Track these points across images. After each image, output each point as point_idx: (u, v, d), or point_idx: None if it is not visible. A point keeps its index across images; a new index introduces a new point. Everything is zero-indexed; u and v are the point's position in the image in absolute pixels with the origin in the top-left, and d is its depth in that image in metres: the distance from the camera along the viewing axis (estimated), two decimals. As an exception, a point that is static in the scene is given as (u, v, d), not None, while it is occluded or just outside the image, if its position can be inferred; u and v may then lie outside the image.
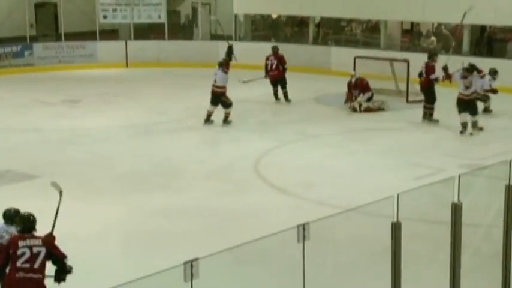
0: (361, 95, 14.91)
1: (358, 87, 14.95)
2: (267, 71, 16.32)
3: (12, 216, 6.41)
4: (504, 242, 6.07)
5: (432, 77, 13.84)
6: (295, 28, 22.01)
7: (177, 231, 8.55)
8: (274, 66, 16.14)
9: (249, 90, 17.61)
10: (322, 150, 12.24)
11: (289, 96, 16.11)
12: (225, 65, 14.02)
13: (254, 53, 20.24)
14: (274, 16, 22.34)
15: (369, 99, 14.94)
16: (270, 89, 16.88)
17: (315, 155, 11.97)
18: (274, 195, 10.07)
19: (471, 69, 13.15)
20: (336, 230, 7.59)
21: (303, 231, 4.88)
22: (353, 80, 15.04)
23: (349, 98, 15.04)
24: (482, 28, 18.32)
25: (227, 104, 13.85)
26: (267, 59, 16.39)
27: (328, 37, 21.07)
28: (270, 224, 7.58)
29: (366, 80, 14.98)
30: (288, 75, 18.01)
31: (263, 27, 22.69)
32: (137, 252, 8.04)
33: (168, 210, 9.31)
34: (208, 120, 13.92)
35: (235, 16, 21.44)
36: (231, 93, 17.51)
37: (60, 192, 6.49)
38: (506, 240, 6.05)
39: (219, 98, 13.79)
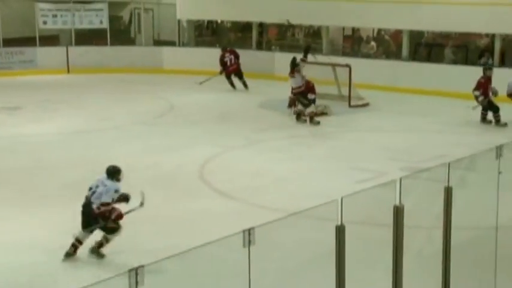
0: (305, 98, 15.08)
1: (305, 88, 15.14)
2: (225, 67, 18.03)
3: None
4: (444, 243, 6.22)
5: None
6: (238, 33, 22.08)
7: (122, 238, 8.47)
8: (233, 61, 18.13)
9: (193, 96, 17.60)
10: (266, 155, 12.31)
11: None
12: (290, 71, 14.97)
13: (198, 58, 20.29)
14: (218, 21, 22.36)
15: (313, 101, 15.11)
16: (215, 94, 16.89)
17: (260, 160, 12.04)
18: (220, 200, 10.08)
19: None
20: (281, 235, 7.65)
21: (248, 236, 4.91)
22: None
23: (293, 102, 15.17)
24: (421, 34, 18.74)
25: (305, 104, 14.37)
26: (223, 56, 18.16)
27: (272, 42, 21.21)
28: (215, 230, 7.58)
29: (312, 83, 15.16)
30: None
31: (207, 33, 22.68)
32: (82, 260, 7.93)
33: (113, 218, 9.20)
34: (298, 118, 14.60)
35: (179, 21, 21.39)
36: (178, 98, 17.47)
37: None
38: (446, 241, 6.21)
39: (298, 98, 14.53)
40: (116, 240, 8.20)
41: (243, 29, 21.72)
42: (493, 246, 7.39)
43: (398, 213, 5.82)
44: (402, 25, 17.90)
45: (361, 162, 11.60)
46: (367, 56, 19.05)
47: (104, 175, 7.93)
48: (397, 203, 5.89)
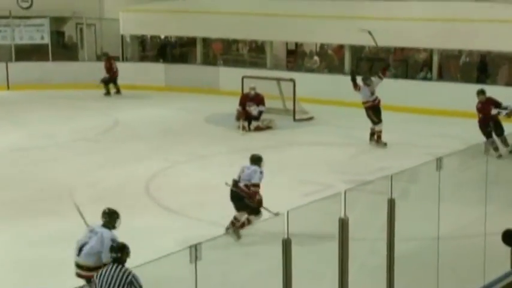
0: (254, 106, 15.19)
1: (254, 100, 15.23)
2: (113, 73, 19.51)
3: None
4: (388, 255, 6.33)
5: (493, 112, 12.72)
6: (183, 48, 22.07)
7: (64, 257, 8.33)
8: (115, 69, 19.52)
9: (138, 111, 17.49)
10: (213, 170, 12.31)
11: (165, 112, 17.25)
12: (363, 79, 14.01)
13: (142, 74, 20.18)
14: (162, 37, 22.31)
15: (260, 113, 15.24)
16: (160, 110, 16.82)
17: (206, 175, 12.03)
18: (166, 216, 10.03)
19: None
20: (229, 250, 7.68)
21: (195, 252, 4.91)
22: (252, 93, 15.28)
23: (241, 115, 15.27)
24: (363, 48, 19.08)
25: (374, 121, 13.80)
26: (110, 63, 19.49)
27: (216, 57, 21.28)
28: (162, 246, 7.55)
29: (262, 95, 15.34)
30: (176, 96, 18.02)
31: (151, 48, 22.59)
32: (22, 281, 7.78)
33: (55, 237, 9.06)
34: (372, 137, 13.86)
35: (122, 37, 21.26)
36: (122, 114, 17.29)
37: None
38: (390, 252, 6.32)
39: (367, 113, 13.82)
40: (59, 260, 8.05)
41: (187, 44, 21.72)
42: (435, 256, 7.56)
43: (343, 225, 5.91)
44: (344, 40, 18.20)
45: (306, 176, 11.71)
46: (311, 70, 19.29)
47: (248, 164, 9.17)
48: (342, 215, 5.98)
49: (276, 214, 8.50)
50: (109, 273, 5.97)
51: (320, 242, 8.38)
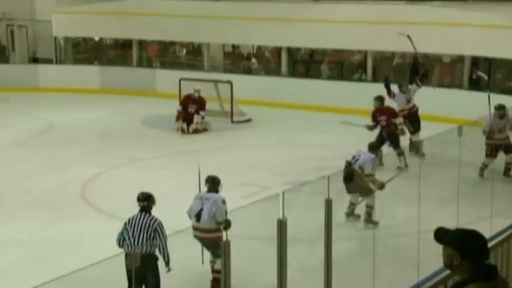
0: (195, 116, 15.19)
1: (197, 103, 15.22)
2: None
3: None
4: (326, 254, 6.42)
5: None
6: (118, 50, 21.84)
7: (3, 264, 8.17)
8: None
9: (72, 115, 17.22)
10: (150, 173, 12.23)
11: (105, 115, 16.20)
12: (399, 86, 13.11)
13: (76, 76, 19.88)
14: (97, 38, 22.02)
15: (203, 118, 15.29)
16: (95, 112, 16.60)
17: (144, 178, 11.93)
18: (104, 221, 9.92)
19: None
20: (172, 252, 7.64)
21: (134, 255, 4.89)
22: (196, 95, 15.26)
23: (180, 116, 15.25)
24: (299, 50, 19.28)
25: (410, 131, 12.67)
26: None
27: (153, 59, 21.14)
28: (100, 251, 7.46)
29: (205, 100, 15.35)
30: (112, 99, 17.79)
31: (85, 50, 22.27)
32: None
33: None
34: (411, 148, 12.26)
35: (55, 39, 20.89)
36: (56, 117, 16.99)
37: None
38: (328, 252, 6.41)
39: (404, 122, 12.63)
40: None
41: (123, 46, 21.51)
42: (371, 254, 7.70)
43: (281, 226, 5.96)
44: (280, 42, 18.35)
45: (245, 178, 11.75)
46: (248, 72, 19.37)
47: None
48: (281, 216, 6.03)
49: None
50: (138, 220, 6.92)
51: (258, 243, 8.44)
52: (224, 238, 5.22)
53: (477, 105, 12.91)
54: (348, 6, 17.48)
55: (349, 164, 9.48)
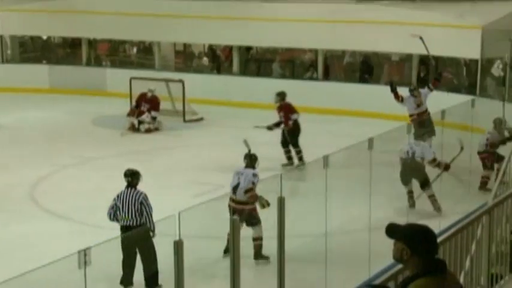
0: (147, 114, 15.07)
1: (150, 102, 15.14)
2: None
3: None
4: (278, 251, 6.45)
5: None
6: (67, 49, 21.51)
7: None
8: None
9: (20, 114, 16.92)
10: (101, 173, 12.10)
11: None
12: (410, 89, 12.45)
13: (23, 75, 19.51)
14: (45, 37, 21.65)
15: (154, 119, 15.18)
16: (45, 112, 16.33)
17: (95, 178, 11.81)
18: (54, 221, 9.78)
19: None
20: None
21: (84, 256, 4.82)
22: (149, 95, 15.16)
23: (132, 113, 15.15)
24: (250, 49, 19.31)
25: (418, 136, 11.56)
26: None
27: (102, 58, 20.89)
28: (49, 252, 7.35)
29: (158, 100, 15.25)
30: (62, 98, 17.50)
31: (33, 49, 21.87)
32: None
33: None
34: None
35: (1, 37, 20.47)
36: (3, 117, 16.64)
37: None
38: (281, 249, 6.45)
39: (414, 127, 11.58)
40: None
41: (72, 44, 21.20)
42: (324, 251, 7.76)
43: (234, 225, 5.97)
44: (232, 41, 18.35)
45: (198, 176, 11.73)
46: (200, 71, 19.32)
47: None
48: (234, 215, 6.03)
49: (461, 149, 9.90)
50: (125, 195, 7.82)
51: (212, 242, 8.43)
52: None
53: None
54: (299, 5, 17.58)
55: (409, 159, 9.85)
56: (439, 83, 13.02)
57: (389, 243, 3.44)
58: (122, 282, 7.65)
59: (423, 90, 12.50)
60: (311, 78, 17.68)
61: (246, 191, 8.26)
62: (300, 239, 8.99)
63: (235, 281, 5.88)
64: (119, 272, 7.67)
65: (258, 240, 8.25)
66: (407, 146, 9.92)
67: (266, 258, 8.17)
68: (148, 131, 15.10)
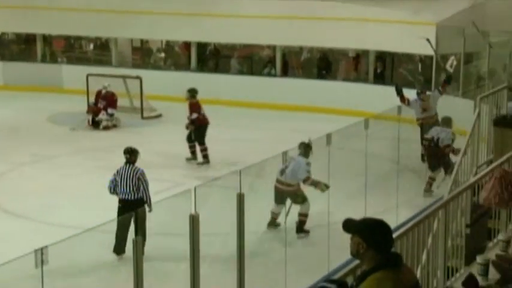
0: (103, 112, 14.96)
1: (106, 99, 15.01)
2: None
3: None
4: (238, 247, 6.48)
5: None
6: (22, 45, 21.16)
7: None
8: None
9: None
10: (59, 171, 11.97)
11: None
12: (418, 92, 12.02)
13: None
14: (-2, 33, 21.26)
15: (111, 116, 15.07)
16: (1, 111, 16.07)
17: (52, 176, 11.67)
18: (10, 220, 9.64)
19: None
20: (78, 252, 7.52)
21: (41, 255, 4.78)
22: (103, 91, 15.08)
23: (91, 110, 15.02)
24: (208, 45, 19.26)
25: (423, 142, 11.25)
26: None
27: (58, 54, 20.60)
28: (6, 252, 7.25)
29: (116, 96, 15.14)
30: (16, 95, 17.21)
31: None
32: None
33: None
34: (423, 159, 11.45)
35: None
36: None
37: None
38: (240, 245, 6.48)
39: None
40: None
41: (26, 40, 20.85)
42: (283, 246, 7.83)
43: (194, 221, 5.98)
44: (189, 37, 18.29)
45: (157, 174, 11.65)
46: (157, 67, 19.21)
47: None
48: (193, 211, 6.04)
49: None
50: (124, 171, 8.62)
51: (171, 239, 8.42)
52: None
53: (382, 99, 13.31)
54: (257, 1, 17.61)
55: (434, 144, 10.45)
56: (448, 85, 12.61)
57: (348, 239, 3.48)
58: (115, 251, 8.32)
59: (433, 94, 12.13)
60: (269, 75, 17.75)
61: (305, 180, 8.95)
62: (260, 235, 9.05)
63: (195, 278, 5.90)
64: (78, 271, 7.62)
65: (302, 216, 9.07)
66: (433, 131, 10.57)
67: (307, 232, 9.05)
68: (106, 128, 14.98)
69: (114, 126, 15.18)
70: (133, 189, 8.47)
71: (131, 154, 8.75)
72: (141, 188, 8.48)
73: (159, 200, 7.43)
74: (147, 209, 8.25)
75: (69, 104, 16.46)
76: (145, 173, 8.60)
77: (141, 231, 7.82)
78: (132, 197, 8.45)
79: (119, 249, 8.29)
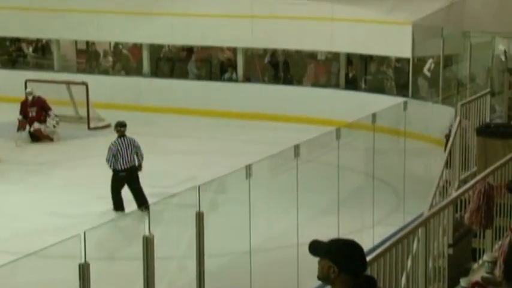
0: (48, 119, 14.80)
1: (37, 104, 14.86)
2: None
3: None
4: (198, 271, 6.43)
5: None
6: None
7: None
8: None
9: None
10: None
11: None
12: None
13: None
14: None
15: (56, 116, 14.94)
16: None
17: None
18: None
19: None
20: (17, 278, 7.38)
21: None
22: (30, 98, 14.91)
23: (22, 125, 14.79)
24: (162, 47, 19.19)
25: None
26: None
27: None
28: None
29: (43, 98, 15.00)
30: None
31: None
32: None
33: None
34: None
35: None
36: None
37: None
38: (200, 269, 6.42)
39: None
40: None
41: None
42: (248, 269, 7.79)
43: (147, 243, 5.92)
44: (140, 38, 18.18)
45: (105, 191, 11.55)
46: (105, 72, 19.06)
47: None
48: (147, 233, 5.98)
49: None
50: (122, 143, 10.86)
51: (122, 263, 8.32)
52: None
53: (355, 106, 13.41)
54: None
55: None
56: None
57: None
58: (116, 209, 10.49)
59: None
60: (230, 80, 17.74)
61: None
62: (221, 258, 8.99)
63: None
64: None
65: None
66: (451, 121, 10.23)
67: None
68: (45, 137, 14.84)
69: (49, 139, 14.93)
70: (133, 157, 10.87)
71: (125, 128, 10.98)
72: (139, 153, 10.96)
73: (108, 220, 7.34)
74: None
75: (5, 113, 16.19)
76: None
77: (136, 190, 10.66)
78: (134, 164, 10.88)
79: (120, 207, 10.54)
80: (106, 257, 8.18)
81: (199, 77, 18.23)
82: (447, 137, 10.84)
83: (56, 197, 11.43)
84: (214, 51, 18.68)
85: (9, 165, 13.25)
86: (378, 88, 15.98)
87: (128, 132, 11.41)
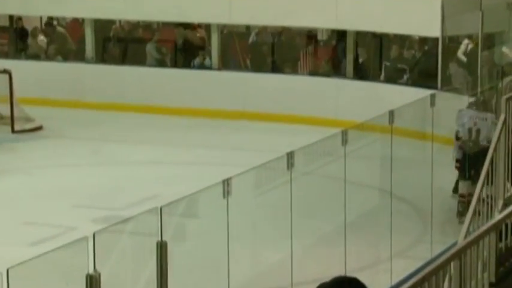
0: None
1: None
2: None
3: None
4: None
5: None
6: None
7: None
8: None
9: None
10: None
11: None
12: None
13: None
14: None
15: None
16: None
17: None
18: None
19: None
20: None
21: None
22: None
23: None
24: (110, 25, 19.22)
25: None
26: None
27: None
28: None
29: None
30: None
31: None
32: None
33: None
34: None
35: None
36: None
37: None
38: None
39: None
40: None
41: None
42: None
43: (92, 283, 5.93)
44: (82, 12, 18.19)
45: (35, 215, 11.56)
46: (35, 57, 19.04)
47: None
48: (91, 270, 5.99)
49: None
50: None
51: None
52: None
53: (366, 101, 13.44)
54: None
55: (471, 141, 10.49)
56: None
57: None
58: None
59: None
60: (201, 67, 17.77)
61: None
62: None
63: None
64: None
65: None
66: (468, 120, 10.63)
67: None
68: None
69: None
70: None
71: None
72: None
73: (38, 254, 7.32)
74: None
75: None
76: None
77: None
78: None
79: None
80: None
81: (160, 63, 18.25)
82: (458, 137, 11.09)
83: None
84: (181, 30, 18.70)
85: None
86: (396, 77, 16.02)
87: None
